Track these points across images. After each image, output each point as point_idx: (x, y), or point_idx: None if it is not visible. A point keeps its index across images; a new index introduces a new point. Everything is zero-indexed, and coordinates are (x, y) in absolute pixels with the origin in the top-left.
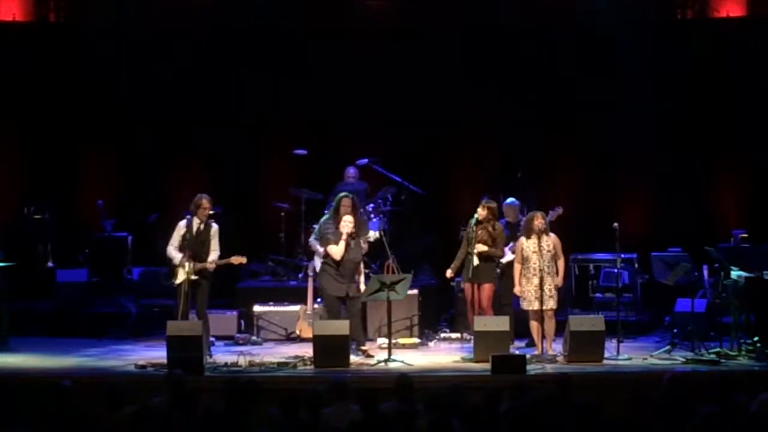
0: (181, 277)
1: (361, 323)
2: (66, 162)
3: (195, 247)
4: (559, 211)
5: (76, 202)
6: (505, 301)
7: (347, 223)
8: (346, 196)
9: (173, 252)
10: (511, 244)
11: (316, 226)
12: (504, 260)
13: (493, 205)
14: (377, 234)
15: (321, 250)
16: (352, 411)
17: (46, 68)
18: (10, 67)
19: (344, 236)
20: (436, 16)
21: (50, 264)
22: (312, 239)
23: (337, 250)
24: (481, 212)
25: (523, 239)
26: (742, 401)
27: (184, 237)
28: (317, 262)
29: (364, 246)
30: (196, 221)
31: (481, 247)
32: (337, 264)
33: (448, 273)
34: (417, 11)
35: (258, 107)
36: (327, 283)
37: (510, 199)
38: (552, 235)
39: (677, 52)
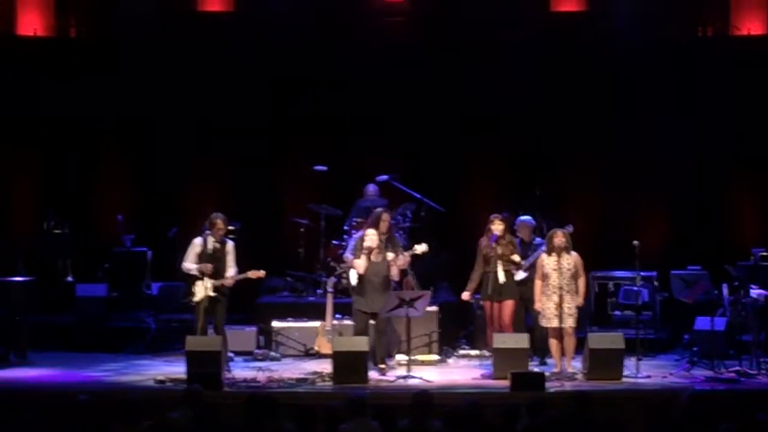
0: (199, 294)
1: (387, 340)
2: (86, 176)
3: (213, 264)
4: (570, 229)
5: (96, 216)
6: (518, 319)
7: (369, 237)
8: (385, 212)
9: (189, 265)
10: (523, 262)
11: (353, 241)
12: (517, 278)
13: (506, 219)
14: (424, 247)
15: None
16: (370, 427)
17: (67, 83)
18: (30, 82)
19: (362, 251)
20: (454, 31)
21: (69, 278)
22: (347, 253)
23: (357, 264)
24: (498, 226)
25: (544, 256)
26: (761, 420)
27: (200, 255)
28: (352, 277)
29: (404, 259)
30: (211, 239)
31: (516, 258)
32: (364, 278)
33: (465, 296)
34: (435, 27)
35: (278, 123)
36: (356, 297)
37: (525, 217)
38: (573, 253)
39: (698, 70)
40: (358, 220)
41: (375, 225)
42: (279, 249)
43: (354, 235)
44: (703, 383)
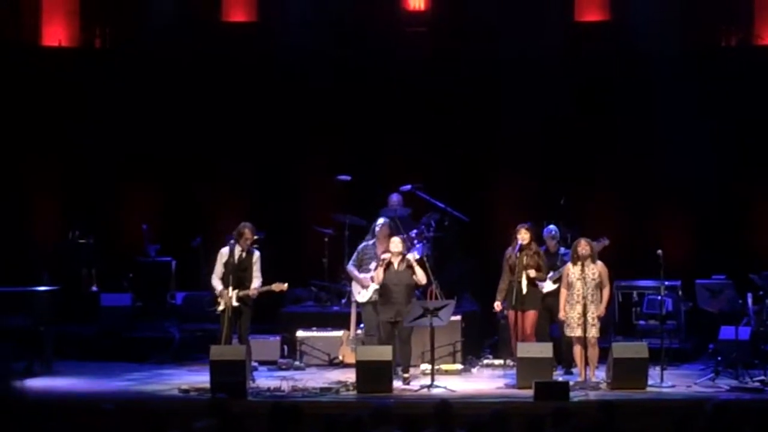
0: (224, 304)
1: (409, 349)
2: (111, 186)
3: (238, 274)
4: (606, 242)
5: (121, 226)
6: (542, 329)
7: (394, 244)
8: (385, 222)
9: (216, 282)
10: (551, 273)
11: (355, 253)
12: (545, 289)
13: (532, 229)
14: (416, 255)
15: (359, 276)
16: None
17: (92, 93)
18: (55, 92)
19: (381, 260)
20: (478, 41)
21: (94, 288)
22: (350, 265)
23: (374, 275)
24: (525, 236)
25: (569, 265)
26: None
27: (226, 264)
28: (354, 288)
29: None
30: (238, 249)
31: (532, 273)
32: (387, 287)
33: (498, 306)
34: (459, 37)
35: (302, 132)
36: (380, 307)
37: (550, 227)
38: (599, 263)
39: (721, 79)
40: None
41: (375, 236)
42: (303, 259)
43: (358, 248)
44: (728, 393)
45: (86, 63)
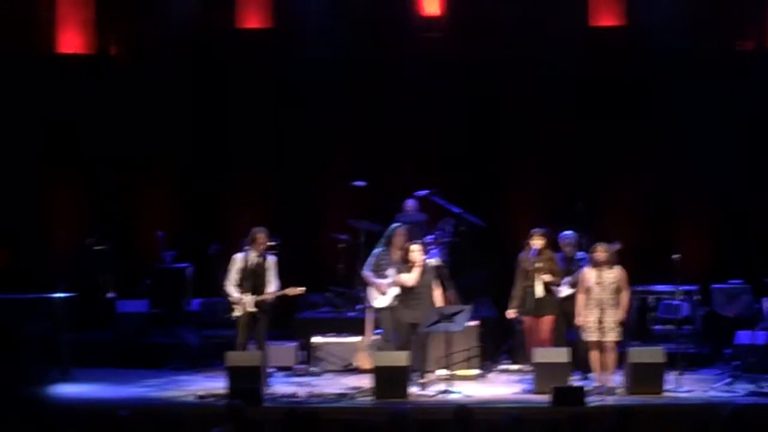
0: (240, 310)
1: (426, 354)
2: (127, 193)
3: (253, 280)
4: (617, 246)
5: (137, 233)
6: (559, 334)
7: (418, 252)
8: (400, 227)
9: (231, 289)
10: (567, 278)
11: (371, 258)
12: (562, 294)
13: (546, 234)
14: (437, 261)
15: (378, 281)
16: None
17: (107, 101)
18: (71, 100)
19: (419, 262)
20: (493, 47)
21: (111, 295)
22: (366, 271)
23: (411, 278)
24: (539, 242)
25: (586, 269)
26: None
27: (241, 271)
28: (371, 294)
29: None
30: (252, 254)
31: (546, 278)
32: (410, 291)
33: (511, 314)
34: (474, 43)
35: (317, 138)
36: (401, 310)
37: (567, 232)
38: (617, 267)
39: (737, 84)
40: None
41: (389, 242)
42: (319, 265)
43: (374, 253)
44: (745, 398)
45: (102, 71)
